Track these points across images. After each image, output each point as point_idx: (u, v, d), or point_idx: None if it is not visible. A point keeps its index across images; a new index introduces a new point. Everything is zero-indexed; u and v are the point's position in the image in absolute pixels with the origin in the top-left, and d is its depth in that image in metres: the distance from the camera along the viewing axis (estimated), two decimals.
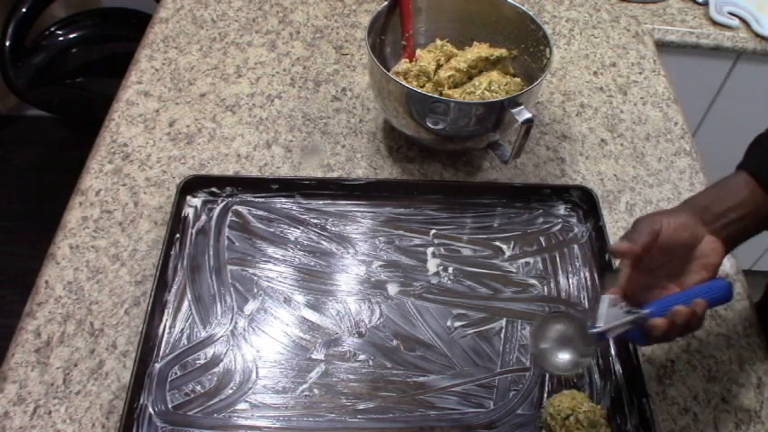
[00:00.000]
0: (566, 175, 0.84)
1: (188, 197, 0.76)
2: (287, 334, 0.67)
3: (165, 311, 0.67)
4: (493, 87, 0.77)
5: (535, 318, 0.69)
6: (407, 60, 0.84)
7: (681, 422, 0.64)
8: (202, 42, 0.98)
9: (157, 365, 0.63)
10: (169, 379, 0.63)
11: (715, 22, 1.10)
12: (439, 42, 0.85)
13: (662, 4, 1.13)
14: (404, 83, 0.75)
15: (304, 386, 0.63)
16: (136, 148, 0.83)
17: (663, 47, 1.08)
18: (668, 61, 1.04)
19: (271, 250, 0.73)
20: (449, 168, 0.84)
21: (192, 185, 0.76)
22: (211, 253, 0.72)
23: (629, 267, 0.57)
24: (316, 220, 0.76)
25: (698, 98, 1.23)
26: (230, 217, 0.75)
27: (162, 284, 0.68)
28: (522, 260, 0.74)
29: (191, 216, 0.75)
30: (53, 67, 1.77)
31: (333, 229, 0.75)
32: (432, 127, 0.75)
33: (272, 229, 0.75)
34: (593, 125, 0.91)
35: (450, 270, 0.73)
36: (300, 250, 0.73)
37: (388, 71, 0.77)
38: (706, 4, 1.13)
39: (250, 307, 0.68)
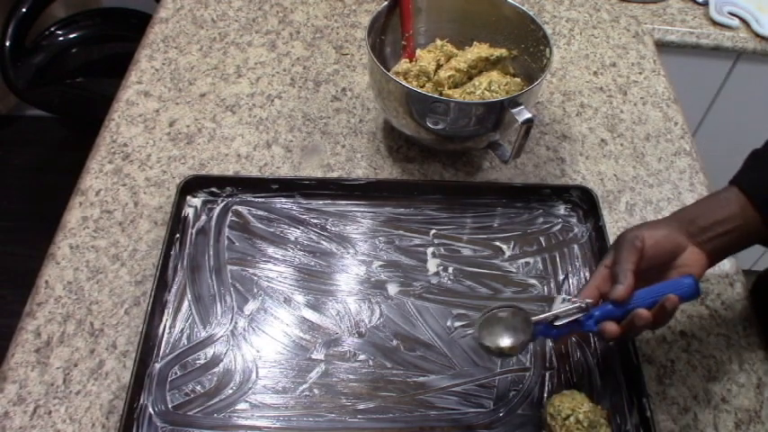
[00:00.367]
0: (566, 175, 0.84)
1: (188, 197, 0.76)
2: (287, 334, 0.67)
3: (165, 311, 0.67)
4: (493, 87, 0.77)
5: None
6: (407, 60, 0.84)
7: (681, 422, 0.64)
8: (202, 42, 0.98)
9: (157, 365, 0.63)
10: (169, 379, 0.63)
11: (715, 22, 1.10)
12: (439, 42, 0.85)
13: (662, 4, 1.13)
14: (404, 83, 0.75)
15: (304, 386, 0.63)
16: (136, 148, 0.83)
17: (663, 47, 1.08)
18: (668, 61, 1.04)
19: (271, 250, 0.73)
20: (449, 168, 0.84)
21: (191, 185, 0.76)
22: (211, 253, 0.72)
23: (607, 268, 0.58)
24: (316, 220, 0.76)
25: (698, 98, 1.23)
26: (230, 217, 0.75)
27: (162, 284, 0.68)
28: (522, 260, 0.74)
29: (191, 216, 0.75)
30: (53, 67, 1.77)
31: (333, 229, 0.75)
32: (432, 127, 0.75)
33: (272, 229, 0.75)
34: (593, 125, 0.91)
35: (451, 270, 0.73)
36: (300, 250, 0.73)
37: (388, 71, 0.77)
38: (706, 4, 1.13)
39: (250, 307, 0.68)
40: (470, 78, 0.81)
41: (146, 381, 0.62)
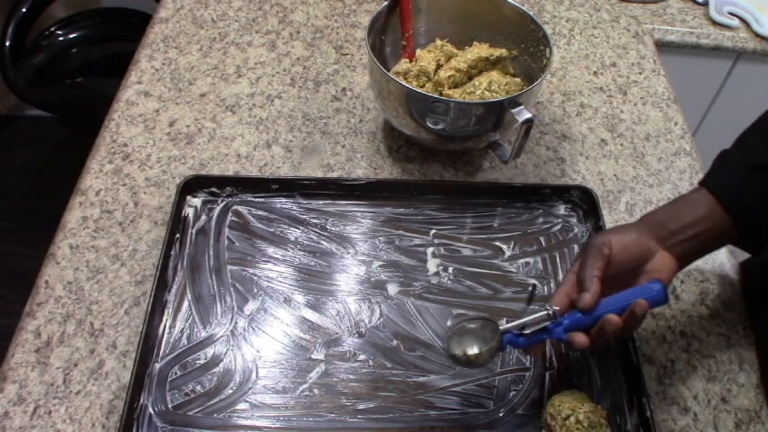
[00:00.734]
0: (566, 175, 0.84)
1: (188, 197, 0.76)
2: (287, 334, 0.67)
3: (165, 311, 0.67)
4: (493, 87, 0.77)
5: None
6: (407, 60, 0.84)
7: (681, 422, 0.64)
8: (202, 42, 0.98)
9: (157, 365, 0.63)
10: (169, 379, 0.63)
11: (715, 22, 1.10)
12: (439, 42, 0.85)
13: (662, 4, 1.13)
14: (404, 83, 0.75)
15: (304, 386, 0.63)
16: (136, 148, 0.83)
17: (663, 47, 1.08)
18: (668, 61, 1.04)
19: (271, 250, 0.73)
20: (449, 168, 0.84)
21: (192, 185, 0.76)
22: (211, 253, 0.72)
23: (575, 275, 0.58)
24: (316, 220, 0.76)
25: (698, 98, 1.23)
26: (230, 217, 0.75)
27: (162, 284, 0.68)
28: (522, 260, 0.74)
29: (191, 216, 0.75)
30: (53, 67, 1.77)
31: (333, 229, 0.75)
32: (432, 127, 0.75)
33: (272, 229, 0.75)
34: (593, 125, 0.91)
35: (450, 270, 0.73)
36: (300, 250, 0.73)
37: (388, 71, 0.77)
38: (706, 4, 1.13)
39: (250, 307, 0.68)
40: (470, 78, 0.81)
41: (146, 381, 0.62)
